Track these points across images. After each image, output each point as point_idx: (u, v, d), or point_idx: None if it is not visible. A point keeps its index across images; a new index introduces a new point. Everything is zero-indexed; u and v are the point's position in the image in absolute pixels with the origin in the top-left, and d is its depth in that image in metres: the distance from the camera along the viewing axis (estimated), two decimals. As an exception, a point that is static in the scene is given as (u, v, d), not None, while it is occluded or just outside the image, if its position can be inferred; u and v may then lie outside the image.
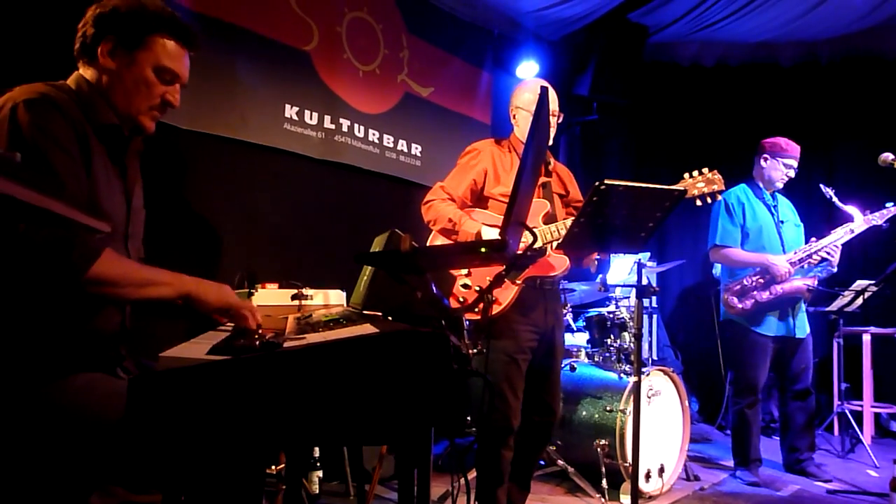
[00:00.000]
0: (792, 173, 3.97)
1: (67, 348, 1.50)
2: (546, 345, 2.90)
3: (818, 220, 4.54)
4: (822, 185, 3.93)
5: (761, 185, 4.05)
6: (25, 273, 1.40)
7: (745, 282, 3.93)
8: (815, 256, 3.81)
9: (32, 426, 1.40)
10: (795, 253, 3.85)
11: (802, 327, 3.95)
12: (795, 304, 3.92)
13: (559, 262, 2.85)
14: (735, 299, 3.94)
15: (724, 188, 2.86)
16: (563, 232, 2.70)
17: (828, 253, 3.78)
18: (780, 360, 4.00)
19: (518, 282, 2.74)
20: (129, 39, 1.58)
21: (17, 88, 1.48)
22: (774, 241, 3.94)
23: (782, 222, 4.00)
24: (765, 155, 4.01)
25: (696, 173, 2.82)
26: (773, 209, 4.01)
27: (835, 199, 3.86)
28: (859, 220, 3.80)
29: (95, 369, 1.54)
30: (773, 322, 3.90)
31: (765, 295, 3.85)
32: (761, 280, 3.87)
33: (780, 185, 4.01)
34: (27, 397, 1.42)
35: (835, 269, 3.87)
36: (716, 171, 2.84)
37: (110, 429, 1.38)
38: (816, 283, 3.87)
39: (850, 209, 3.84)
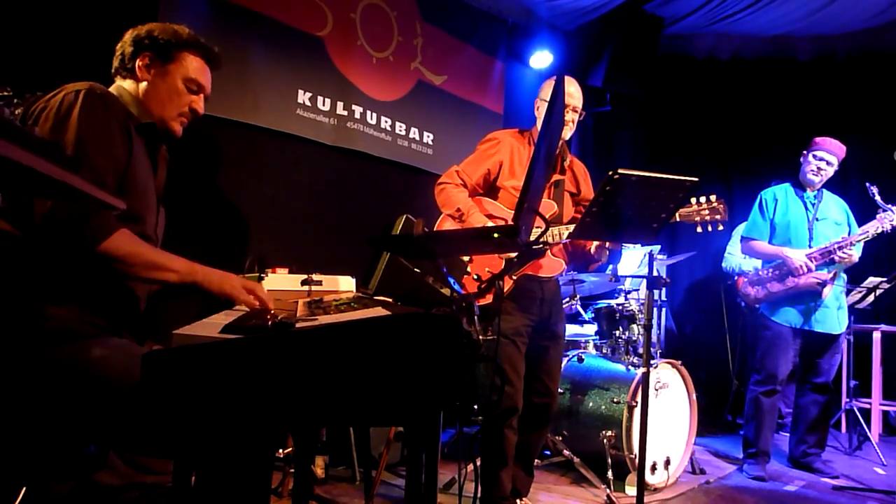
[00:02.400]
0: (824, 165, 3.96)
1: (100, 313, 1.60)
2: (543, 329, 2.94)
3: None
4: (867, 184, 3.88)
5: (802, 181, 4.09)
6: (48, 243, 1.53)
7: (760, 272, 4.05)
8: (840, 252, 3.79)
9: (66, 378, 1.48)
10: (817, 248, 3.87)
11: (826, 322, 3.93)
12: (815, 298, 3.91)
13: (555, 266, 2.91)
14: (749, 287, 4.09)
15: (726, 219, 2.80)
16: (558, 237, 2.76)
17: (850, 244, 3.80)
18: (804, 353, 4.03)
19: (513, 277, 2.77)
20: (163, 54, 1.81)
21: (70, 84, 1.65)
22: (802, 236, 3.98)
23: (818, 219, 4.01)
24: (804, 151, 4.07)
25: (702, 199, 2.76)
26: (809, 206, 4.04)
27: (877, 197, 3.83)
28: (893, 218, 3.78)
29: (123, 336, 1.64)
30: (790, 313, 3.94)
31: (777, 286, 3.94)
32: (777, 272, 3.96)
33: (813, 178, 4.00)
34: (64, 352, 1.50)
35: (855, 259, 3.87)
36: (722, 202, 2.78)
37: (132, 392, 1.42)
38: (831, 277, 3.86)
39: (891, 207, 3.80)
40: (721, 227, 2.79)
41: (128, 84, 1.83)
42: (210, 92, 1.95)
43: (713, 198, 2.78)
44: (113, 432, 1.47)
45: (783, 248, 3.92)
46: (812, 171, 3.98)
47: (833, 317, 3.95)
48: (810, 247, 3.91)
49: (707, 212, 2.78)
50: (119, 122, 1.66)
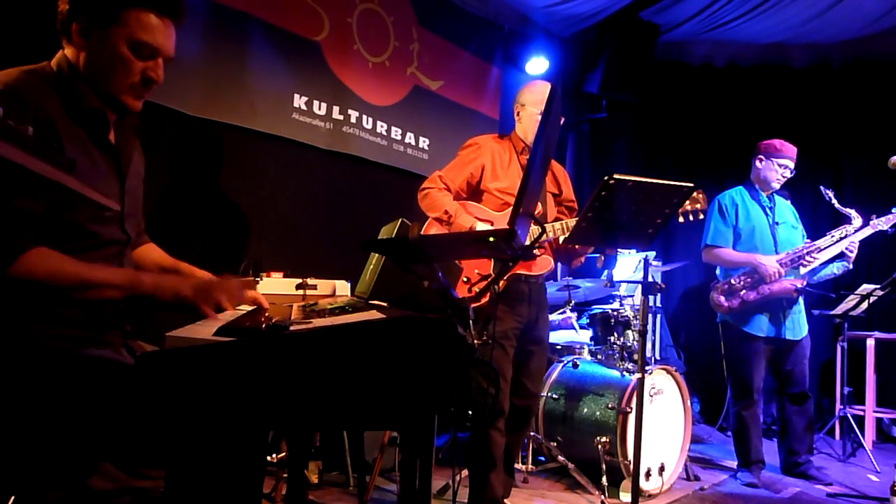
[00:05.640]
0: (788, 173, 3.96)
1: (74, 325, 1.51)
2: (529, 332, 2.98)
3: (824, 222, 4.53)
4: (821, 188, 3.91)
5: (757, 186, 4.06)
6: None
7: (732, 281, 3.94)
8: (808, 257, 3.80)
9: (41, 400, 1.42)
10: (787, 254, 3.85)
11: (795, 329, 3.92)
12: (788, 305, 3.90)
13: (543, 263, 2.95)
14: (722, 298, 3.95)
15: (706, 208, 2.90)
16: (551, 234, 2.82)
17: (849, 249, 3.79)
18: (774, 363, 4.00)
19: (503, 279, 2.79)
20: (102, 16, 1.50)
21: None
22: (767, 241, 3.95)
23: (777, 223, 4.00)
24: (760, 156, 4.02)
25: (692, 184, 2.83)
26: (768, 210, 4.02)
27: (834, 200, 3.84)
28: (857, 222, 3.79)
29: (102, 346, 1.55)
30: (762, 322, 3.89)
31: (752, 295, 3.85)
32: (749, 280, 3.88)
33: (776, 185, 4.00)
34: (36, 371, 1.43)
35: (851, 266, 3.87)
36: (700, 191, 2.87)
37: (115, 405, 1.39)
38: (805, 284, 3.85)
39: (849, 211, 3.83)
40: (701, 216, 2.89)
41: (71, 53, 1.54)
42: (172, 52, 1.59)
43: None
44: (99, 447, 1.43)
45: (755, 255, 3.86)
46: (776, 177, 3.95)
47: (800, 322, 3.96)
48: (776, 252, 3.90)
49: (688, 203, 2.86)
50: (42, 120, 1.44)
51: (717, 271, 4.60)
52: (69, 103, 1.52)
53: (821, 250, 3.81)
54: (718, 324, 4.10)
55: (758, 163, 4.03)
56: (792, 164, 3.95)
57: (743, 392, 3.92)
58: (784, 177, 3.97)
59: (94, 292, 1.44)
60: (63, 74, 1.54)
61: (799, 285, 3.83)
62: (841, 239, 3.79)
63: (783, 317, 3.90)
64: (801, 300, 3.96)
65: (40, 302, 1.48)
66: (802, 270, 3.86)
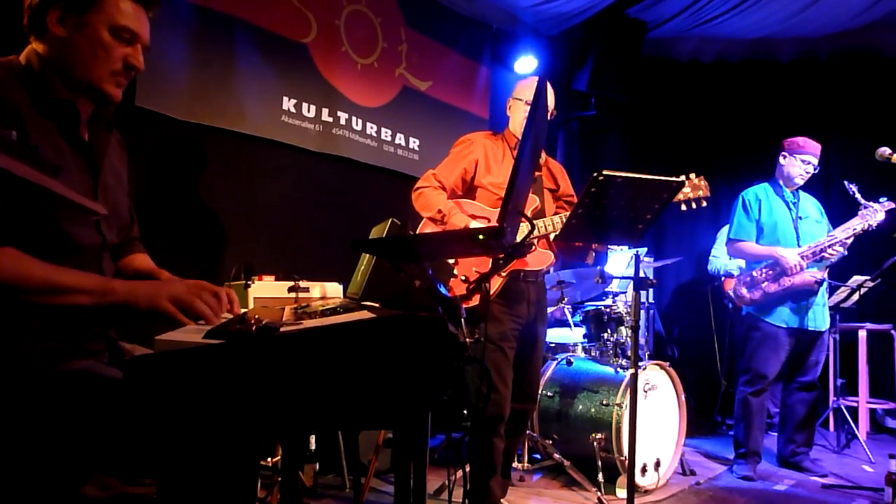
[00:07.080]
0: (811, 169, 4.01)
1: (49, 338, 1.46)
2: (527, 335, 2.95)
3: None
4: (846, 182, 3.95)
5: (781, 182, 4.11)
6: None
7: (754, 273, 4.01)
8: (829, 250, 3.83)
9: (28, 414, 1.38)
10: (808, 247, 3.88)
11: (817, 320, 3.97)
12: (810, 296, 3.94)
13: (543, 258, 2.91)
14: (744, 289, 4.04)
15: (709, 195, 2.93)
16: (550, 228, 2.79)
17: (839, 242, 3.84)
18: (796, 353, 4.04)
19: (503, 274, 2.77)
20: (78, 2, 1.47)
21: None
22: (790, 235, 4.00)
23: (801, 218, 4.05)
24: (783, 153, 4.09)
25: (683, 178, 2.77)
26: (791, 206, 4.07)
27: (857, 195, 3.89)
28: (881, 215, 3.83)
29: (83, 357, 1.51)
30: (784, 313, 3.94)
31: (773, 287, 3.91)
32: (771, 272, 3.94)
33: (799, 181, 4.04)
34: (22, 385, 1.40)
35: (846, 252, 3.92)
36: (703, 178, 2.90)
37: (103, 415, 1.36)
38: (826, 275, 3.90)
39: (872, 204, 3.86)
40: (704, 204, 2.90)
41: (42, 47, 1.50)
42: (149, 42, 1.57)
43: (693, 175, 2.85)
44: (88, 459, 1.37)
45: (776, 248, 3.92)
46: (801, 175, 4.01)
47: (822, 314, 4.00)
48: (799, 246, 3.94)
49: (689, 189, 2.87)
50: (8, 109, 1.39)
51: (710, 267, 4.63)
52: (38, 96, 1.47)
53: (842, 243, 3.85)
54: (742, 316, 4.17)
55: (781, 159, 4.10)
56: (815, 161, 4.01)
57: (756, 379, 3.97)
58: (808, 172, 4.02)
59: (63, 297, 1.35)
60: (32, 68, 1.50)
61: (819, 277, 3.88)
62: (862, 231, 3.84)
63: (806, 308, 3.95)
64: (823, 292, 4.01)
65: (12, 314, 1.42)
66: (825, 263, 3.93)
